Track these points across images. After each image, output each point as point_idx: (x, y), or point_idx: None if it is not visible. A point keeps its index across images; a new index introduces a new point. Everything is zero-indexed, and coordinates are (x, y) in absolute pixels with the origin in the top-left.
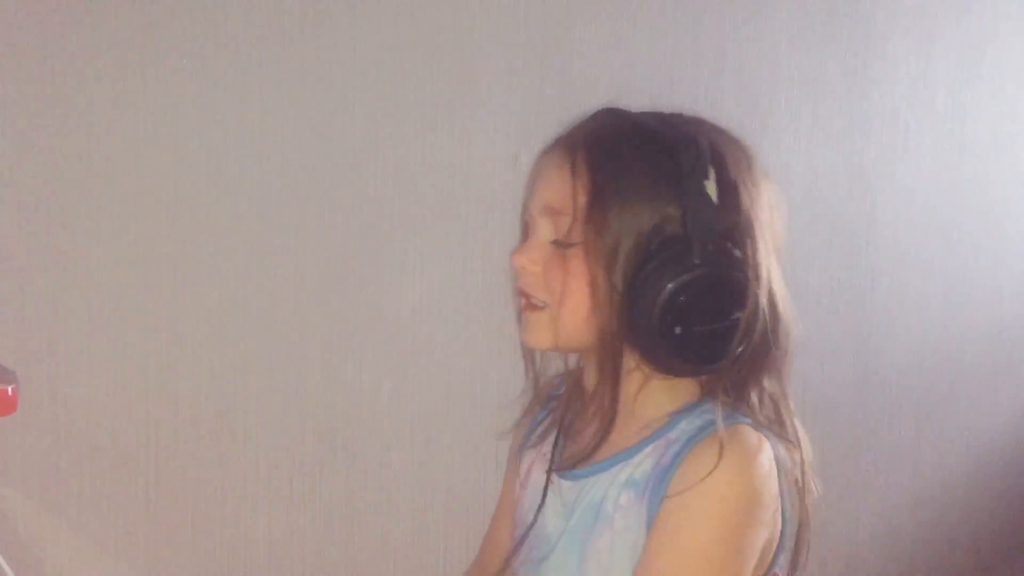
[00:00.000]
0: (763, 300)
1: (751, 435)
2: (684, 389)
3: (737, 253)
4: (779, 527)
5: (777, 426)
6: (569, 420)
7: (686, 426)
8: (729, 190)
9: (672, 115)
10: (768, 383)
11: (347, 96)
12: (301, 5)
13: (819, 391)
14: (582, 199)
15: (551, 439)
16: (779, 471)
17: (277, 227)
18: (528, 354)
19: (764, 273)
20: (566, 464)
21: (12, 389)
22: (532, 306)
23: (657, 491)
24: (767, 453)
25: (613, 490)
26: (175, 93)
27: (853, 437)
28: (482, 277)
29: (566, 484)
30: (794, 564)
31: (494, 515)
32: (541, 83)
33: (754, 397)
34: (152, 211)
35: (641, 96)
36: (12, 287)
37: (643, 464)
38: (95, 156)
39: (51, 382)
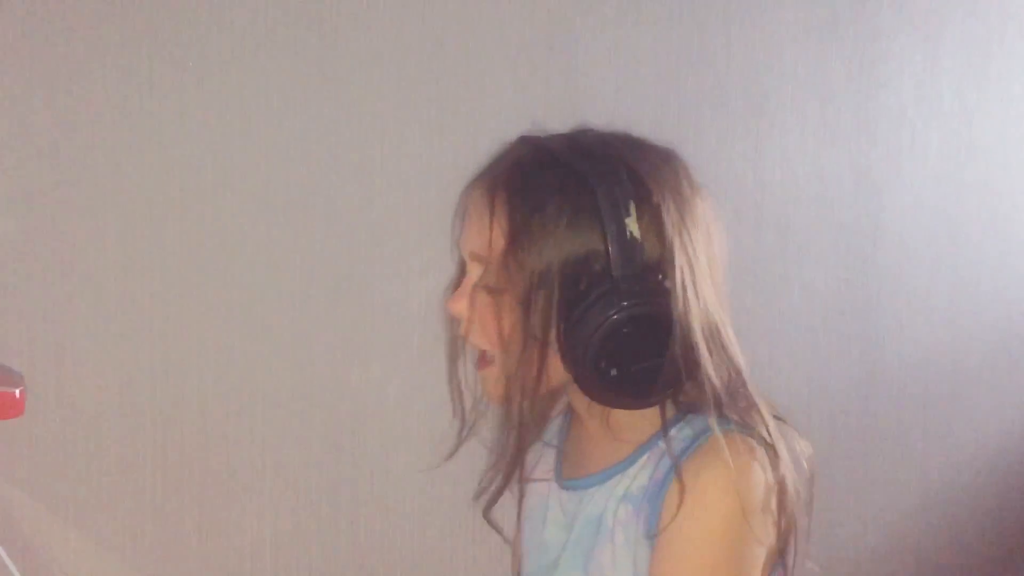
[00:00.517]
0: (697, 328)
1: (742, 443)
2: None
3: (667, 283)
4: (776, 536)
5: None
6: (565, 438)
7: (676, 434)
8: (653, 220)
9: (592, 139)
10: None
11: (352, 98)
12: (304, 8)
13: (826, 392)
14: (499, 245)
15: (552, 454)
16: (771, 473)
17: (283, 230)
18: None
19: (699, 299)
20: (565, 476)
21: (20, 392)
22: (484, 362)
23: (654, 505)
24: (759, 460)
25: (612, 503)
26: (179, 93)
27: (860, 439)
28: None
29: (565, 495)
30: (784, 566)
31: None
32: (546, 84)
33: (732, 406)
34: (158, 214)
35: (646, 97)
36: (19, 290)
37: (639, 477)
38: (101, 159)
39: (58, 385)
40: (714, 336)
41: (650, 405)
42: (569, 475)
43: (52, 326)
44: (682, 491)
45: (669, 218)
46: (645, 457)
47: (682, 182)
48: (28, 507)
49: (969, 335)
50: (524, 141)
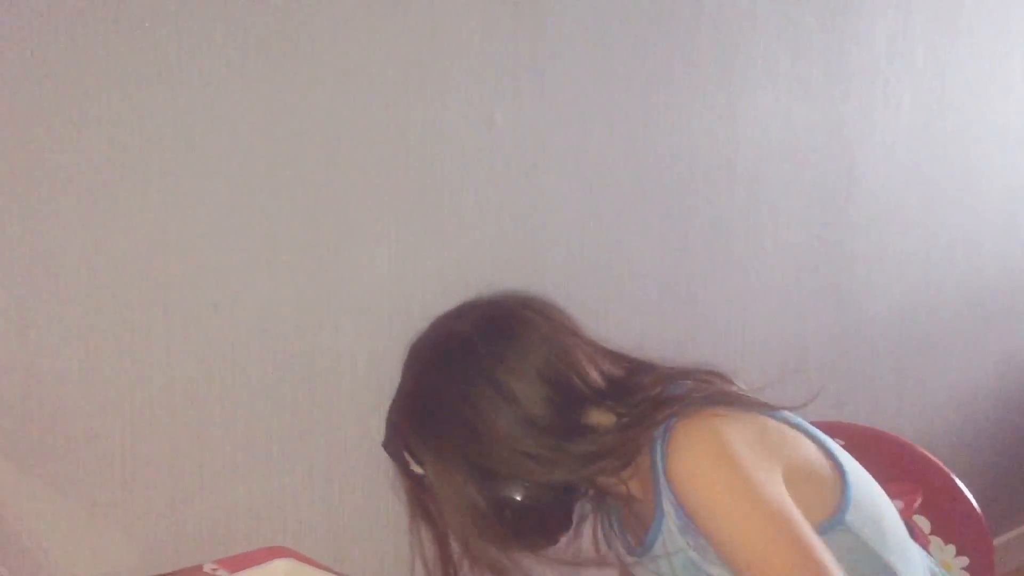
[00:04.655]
0: (521, 432)
1: (683, 425)
2: (633, 443)
3: (471, 458)
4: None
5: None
6: (616, 519)
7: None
8: (425, 439)
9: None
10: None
11: (316, 57)
12: None
13: (798, 348)
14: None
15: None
16: None
17: (247, 195)
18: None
19: (503, 414)
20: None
21: None
22: None
23: (688, 517)
24: (711, 418)
25: (681, 543)
26: (135, 64)
27: (832, 394)
28: (457, 241)
29: (645, 560)
30: None
31: None
32: (515, 41)
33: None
34: (118, 183)
35: (616, 55)
36: None
37: (672, 507)
38: (60, 149)
39: (21, 353)
40: (547, 407)
41: (587, 480)
42: (637, 545)
43: (15, 303)
44: (676, 487)
45: (423, 442)
46: (663, 495)
47: (477, 352)
48: None
49: (942, 288)
50: None
